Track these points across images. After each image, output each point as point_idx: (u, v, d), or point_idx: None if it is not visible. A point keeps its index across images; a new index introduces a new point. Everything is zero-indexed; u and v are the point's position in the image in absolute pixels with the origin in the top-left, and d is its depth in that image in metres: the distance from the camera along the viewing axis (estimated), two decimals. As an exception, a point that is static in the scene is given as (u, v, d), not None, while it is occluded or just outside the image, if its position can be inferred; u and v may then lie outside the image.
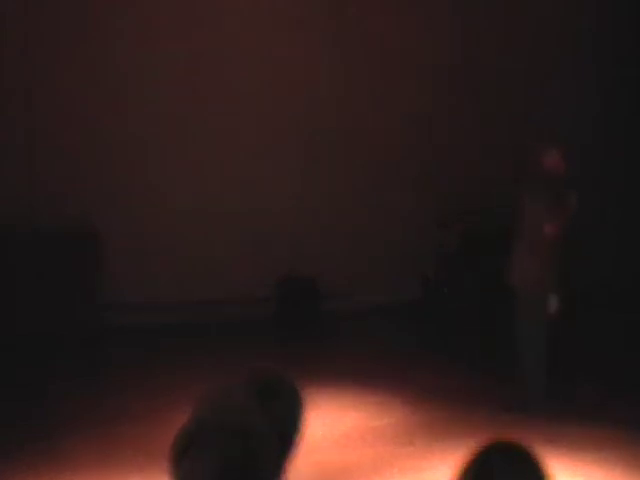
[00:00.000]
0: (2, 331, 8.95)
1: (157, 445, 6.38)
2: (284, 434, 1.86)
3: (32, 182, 9.91)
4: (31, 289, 9.44)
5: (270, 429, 1.69)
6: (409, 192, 11.22)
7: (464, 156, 11.29)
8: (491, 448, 1.77)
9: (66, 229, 9.68)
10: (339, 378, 8.23)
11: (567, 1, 11.90)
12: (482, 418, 7.02)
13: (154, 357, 9.03)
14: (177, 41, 10.40)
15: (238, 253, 10.52)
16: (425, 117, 11.23)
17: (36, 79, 9.98)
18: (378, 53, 11.18)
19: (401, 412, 7.41)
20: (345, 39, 11.06)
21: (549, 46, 11.74)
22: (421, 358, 9.02)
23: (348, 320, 10.20)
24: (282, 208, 10.78)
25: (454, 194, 11.05)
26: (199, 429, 1.70)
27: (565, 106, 11.73)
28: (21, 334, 9.00)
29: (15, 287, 9.38)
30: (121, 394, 7.87)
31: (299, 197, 10.84)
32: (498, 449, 1.77)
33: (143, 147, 10.33)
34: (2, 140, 9.85)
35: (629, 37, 11.92)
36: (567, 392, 7.79)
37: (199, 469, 1.66)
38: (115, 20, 10.20)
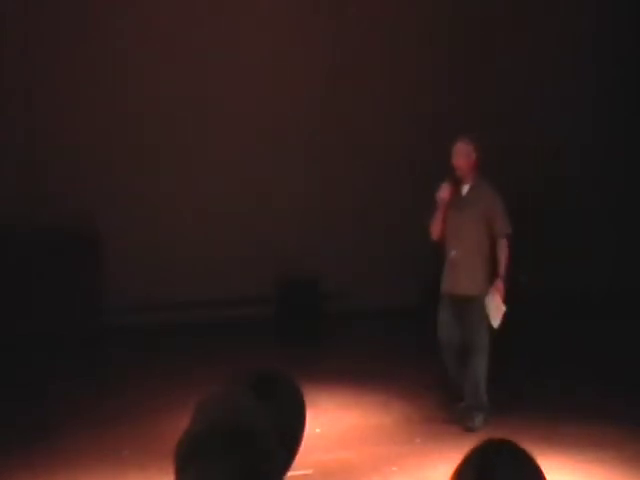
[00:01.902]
0: (2, 331, 8.94)
1: (157, 445, 6.39)
2: (287, 433, 1.84)
3: (32, 182, 9.91)
4: (31, 289, 9.44)
5: (275, 429, 1.67)
6: (409, 192, 11.21)
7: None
8: (489, 444, 1.77)
9: (66, 229, 9.68)
10: (339, 378, 8.24)
11: (567, 1, 11.91)
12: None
13: (154, 357, 9.03)
14: (177, 42, 10.41)
15: (238, 253, 10.52)
16: (425, 117, 11.23)
17: (36, 79, 9.99)
18: (378, 53, 11.18)
19: (401, 411, 7.42)
20: (345, 39, 11.07)
21: (549, 46, 11.74)
22: (421, 358, 9.01)
23: (348, 320, 10.20)
24: (282, 208, 10.79)
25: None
26: (211, 432, 1.61)
27: (565, 106, 11.73)
28: (21, 334, 9.00)
29: (15, 287, 9.38)
30: (121, 394, 7.87)
31: (299, 197, 10.85)
32: (496, 445, 1.78)
33: (143, 147, 10.33)
34: (2, 140, 9.85)
35: (629, 37, 11.92)
36: (567, 392, 7.80)
37: (217, 473, 1.59)
38: (115, 20, 10.21)
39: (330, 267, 10.57)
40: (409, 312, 10.40)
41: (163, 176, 10.43)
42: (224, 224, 10.51)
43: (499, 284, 6.87)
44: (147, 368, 8.63)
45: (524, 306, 10.63)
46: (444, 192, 6.89)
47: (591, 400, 7.53)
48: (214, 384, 1.88)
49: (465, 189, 7.03)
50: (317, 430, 6.86)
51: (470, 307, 6.90)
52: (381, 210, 11.13)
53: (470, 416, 6.89)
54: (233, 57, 10.64)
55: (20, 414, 7.31)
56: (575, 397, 7.65)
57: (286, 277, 10.32)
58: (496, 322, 6.84)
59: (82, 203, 9.96)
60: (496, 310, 6.84)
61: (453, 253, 6.98)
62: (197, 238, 10.41)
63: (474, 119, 11.42)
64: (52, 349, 8.87)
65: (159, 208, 10.40)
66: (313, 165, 10.92)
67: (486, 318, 6.87)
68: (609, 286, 11.06)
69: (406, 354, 9.21)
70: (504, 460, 1.73)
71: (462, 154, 7.01)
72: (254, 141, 10.72)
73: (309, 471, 5.97)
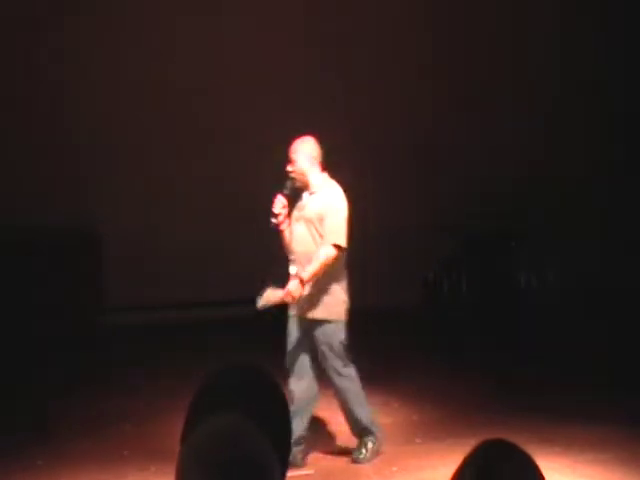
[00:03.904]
0: (3, 332, 8.94)
1: (157, 445, 6.40)
2: (279, 439, 1.75)
3: (34, 183, 9.92)
4: (31, 289, 9.44)
5: (271, 445, 1.60)
6: (409, 193, 11.22)
7: (465, 157, 11.29)
8: (490, 445, 1.77)
9: (66, 229, 9.68)
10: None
11: (567, 1, 11.91)
12: (481, 418, 7.02)
13: (154, 357, 9.03)
14: (176, 39, 10.43)
15: (238, 253, 10.52)
16: (425, 118, 11.23)
17: (36, 79, 10.00)
18: (379, 54, 11.19)
19: (400, 412, 7.41)
20: (345, 41, 11.08)
21: (548, 46, 11.75)
22: (420, 359, 9.02)
23: (348, 320, 10.18)
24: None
25: (454, 194, 11.05)
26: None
27: (565, 107, 11.75)
28: (21, 334, 9.00)
29: (15, 287, 9.38)
30: (121, 394, 7.87)
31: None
32: (497, 445, 1.77)
33: (145, 148, 10.34)
34: (3, 140, 9.86)
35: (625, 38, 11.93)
36: (567, 392, 7.80)
37: None
38: (111, 19, 10.23)
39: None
40: (408, 312, 10.41)
41: (164, 176, 10.43)
42: (224, 224, 10.51)
43: (293, 283, 5.90)
44: (147, 368, 8.64)
45: (524, 306, 10.67)
46: (277, 206, 5.99)
47: (591, 400, 7.53)
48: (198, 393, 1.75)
49: (305, 198, 6.12)
50: (317, 431, 6.87)
51: (318, 332, 6.11)
52: (381, 210, 11.13)
53: (358, 445, 6.23)
54: (232, 58, 10.65)
55: (20, 414, 7.31)
56: (575, 397, 7.64)
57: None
58: (260, 303, 6.03)
59: (82, 203, 9.97)
60: (270, 294, 5.98)
61: (293, 271, 6.03)
62: (197, 238, 10.42)
63: (474, 119, 11.44)
64: (52, 349, 8.87)
65: (160, 208, 10.40)
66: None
67: (340, 340, 6.14)
68: (609, 286, 11.06)
69: (406, 354, 9.21)
70: (505, 460, 1.73)
71: (297, 159, 6.15)
72: (255, 141, 10.72)
73: (310, 471, 5.97)
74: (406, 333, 10.12)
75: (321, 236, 6.01)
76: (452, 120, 11.33)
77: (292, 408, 5.60)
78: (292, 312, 6.22)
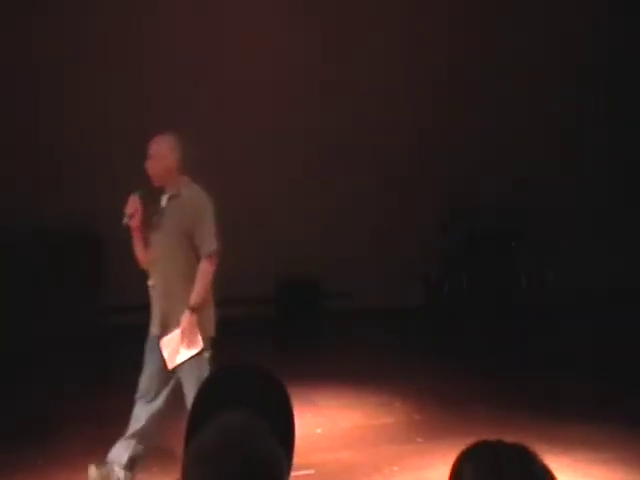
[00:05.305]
0: (3, 332, 8.94)
1: (158, 445, 6.38)
2: (283, 435, 1.76)
3: (34, 183, 9.91)
4: (33, 290, 9.43)
5: (277, 442, 1.61)
6: (410, 193, 11.22)
7: (465, 156, 11.29)
8: (487, 444, 1.76)
9: (68, 230, 9.67)
10: (339, 378, 8.23)
11: (567, 1, 11.92)
12: (482, 418, 7.03)
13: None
14: (177, 44, 10.42)
15: (238, 253, 10.50)
16: (426, 118, 11.23)
17: (39, 80, 9.99)
18: (380, 54, 11.19)
19: (402, 412, 7.41)
20: (345, 41, 11.08)
21: (548, 46, 11.76)
22: (421, 359, 9.02)
23: (348, 320, 10.20)
24: (282, 208, 10.78)
25: (455, 194, 11.05)
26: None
27: (566, 107, 11.75)
28: (22, 335, 8.99)
29: (15, 288, 9.37)
30: (122, 394, 7.85)
31: (300, 197, 10.85)
32: (492, 444, 1.76)
33: (144, 147, 10.31)
34: (4, 140, 9.85)
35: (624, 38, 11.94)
36: (567, 392, 7.80)
37: None
38: (115, 23, 10.22)
39: (330, 267, 10.57)
40: (409, 312, 10.42)
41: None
42: (224, 224, 10.47)
43: (186, 319, 5.37)
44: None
45: (524, 306, 10.67)
46: (130, 207, 5.48)
47: (591, 400, 7.53)
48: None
49: (164, 201, 5.64)
50: (318, 430, 6.87)
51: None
52: (382, 211, 11.14)
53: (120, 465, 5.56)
54: (232, 58, 10.65)
55: (20, 414, 7.30)
56: (575, 397, 7.64)
57: (286, 277, 10.32)
58: (171, 364, 5.54)
59: (82, 203, 9.96)
60: (173, 353, 5.51)
61: (151, 283, 5.70)
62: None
63: (474, 119, 11.44)
64: (52, 349, 8.87)
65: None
66: (314, 165, 10.93)
67: (199, 370, 5.36)
68: (610, 286, 11.07)
69: (406, 354, 9.21)
70: (506, 458, 1.72)
71: (156, 156, 5.67)
72: (254, 141, 10.72)
73: (311, 471, 5.97)
74: (406, 333, 10.12)
75: (193, 245, 5.55)
76: (452, 120, 11.33)
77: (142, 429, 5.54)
78: (151, 332, 5.69)
